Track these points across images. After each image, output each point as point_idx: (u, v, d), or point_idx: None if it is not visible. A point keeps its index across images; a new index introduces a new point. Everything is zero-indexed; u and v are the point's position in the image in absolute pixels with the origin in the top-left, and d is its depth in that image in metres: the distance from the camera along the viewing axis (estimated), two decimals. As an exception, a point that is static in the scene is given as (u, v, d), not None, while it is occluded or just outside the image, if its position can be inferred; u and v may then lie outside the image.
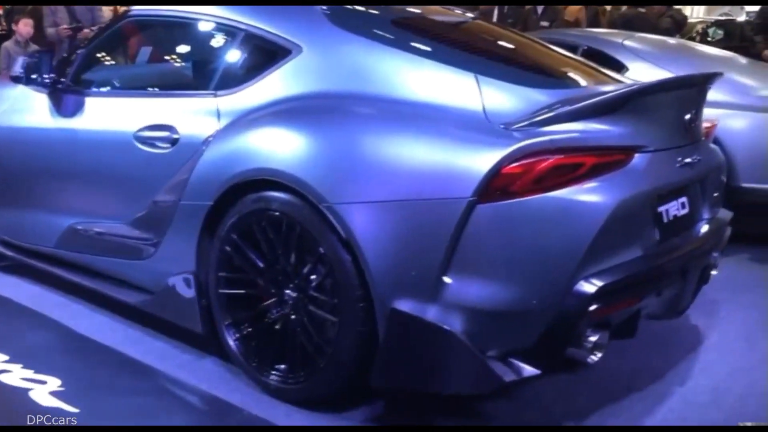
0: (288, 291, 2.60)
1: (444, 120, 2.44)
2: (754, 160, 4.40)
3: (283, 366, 2.64)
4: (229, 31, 3.01)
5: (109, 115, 3.21)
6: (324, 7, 2.93)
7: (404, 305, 2.30)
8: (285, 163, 2.49)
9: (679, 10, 8.88)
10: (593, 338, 2.34)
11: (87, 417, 2.52)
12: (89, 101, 3.30)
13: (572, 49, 5.23)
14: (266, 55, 2.87)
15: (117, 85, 3.43)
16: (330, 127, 2.53)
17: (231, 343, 2.76)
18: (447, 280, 2.27)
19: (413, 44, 2.77)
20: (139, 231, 3.09)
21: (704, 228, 2.90)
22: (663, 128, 2.56)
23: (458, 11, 3.59)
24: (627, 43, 5.15)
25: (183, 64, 3.46)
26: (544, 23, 8.88)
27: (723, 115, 4.45)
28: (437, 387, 2.38)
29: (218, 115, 2.83)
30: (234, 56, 2.97)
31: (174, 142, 2.92)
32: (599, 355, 2.39)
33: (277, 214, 2.53)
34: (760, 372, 2.96)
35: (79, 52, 3.47)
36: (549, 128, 2.34)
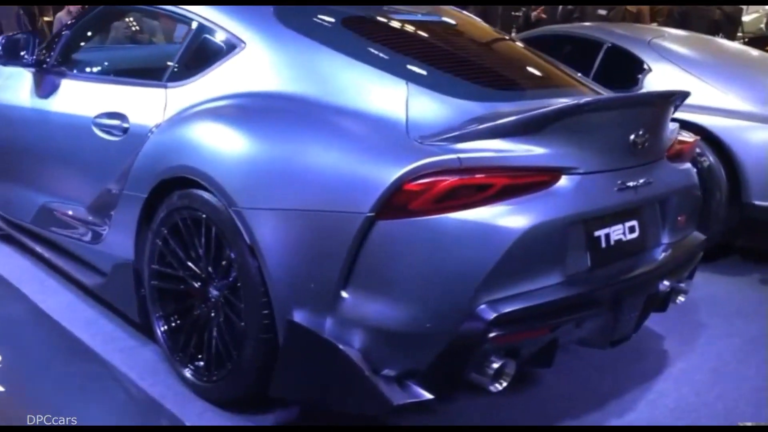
0: (211, 289, 2.60)
1: (363, 128, 2.37)
2: (768, 177, 4.11)
3: (201, 363, 2.65)
4: (187, 23, 3.01)
5: (76, 98, 3.28)
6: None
7: (301, 317, 2.27)
8: (203, 163, 2.48)
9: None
10: (496, 365, 2.24)
11: (7, 397, 2.59)
12: (64, 83, 3.38)
13: (596, 46, 5.03)
14: (215, 49, 2.85)
15: (87, 69, 3.50)
16: (248, 129, 2.50)
17: (160, 334, 2.79)
18: (344, 295, 2.22)
19: (355, 46, 2.69)
20: (94, 216, 3.16)
21: (660, 253, 2.73)
22: (600, 149, 2.40)
23: (450, 8, 3.48)
24: (654, 41, 4.88)
25: (145, 52, 3.48)
26: (602, 12, 8.56)
27: (740, 126, 4.21)
28: (330, 404, 2.34)
29: (165, 107, 2.84)
30: (187, 48, 2.96)
31: (125, 131, 2.95)
32: (504, 383, 2.29)
33: (199, 213, 2.53)
34: (706, 411, 2.78)
35: (63, 33, 3.54)
36: (466, 145, 2.24)
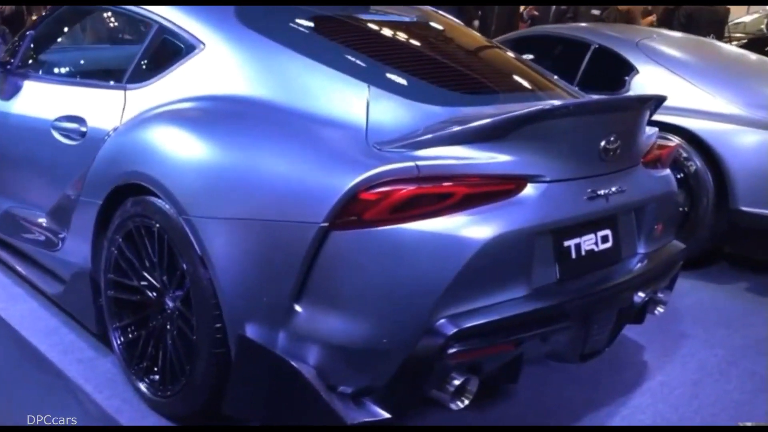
0: (166, 301, 2.50)
1: (321, 134, 2.27)
2: (757, 183, 3.99)
3: (156, 377, 2.55)
4: (148, 24, 2.91)
5: (37, 101, 3.18)
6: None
7: (253, 332, 2.17)
8: (154, 169, 2.39)
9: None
10: (457, 382, 2.13)
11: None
12: (26, 85, 3.29)
13: (583, 47, 4.92)
14: (174, 50, 2.75)
15: (50, 71, 3.41)
16: (200, 134, 2.39)
17: (116, 346, 2.69)
18: (298, 308, 2.12)
19: (318, 48, 2.60)
20: (54, 222, 3.06)
21: (635, 264, 2.63)
22: (568, 156, 2.30)
23: (429, 10, 3.37)
24: (643, 43, 4.77)
25: (110, 53, 3.39)
26: (596, 12, 8.48)
27: (729, 130, 4.11)
28: (284, 422, 2.24)
29: (123, 109, 2.74)
30: (147, 49, 2.86)
31: (83, 134, 2.86)
32: (466, 401, 2.19)
33: (151, 221, 2.43)
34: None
35: (27, 34, 3.44)
36: (426, 151, 2.13)
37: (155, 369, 2.55)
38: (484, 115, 2.26)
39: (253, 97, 2.45)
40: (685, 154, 4.17)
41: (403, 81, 2.48)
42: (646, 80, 4.51)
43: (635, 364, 3.16)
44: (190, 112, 2.49)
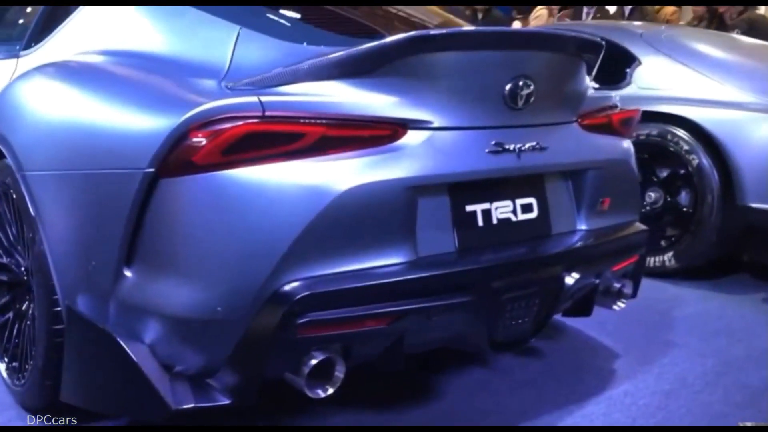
0: (26, 277, 2.22)
1: (170, 77, 1.96)
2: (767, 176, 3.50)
3: (16, 364, 2.26)
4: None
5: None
6: None
7: (83, 304, 1.87)
8: (2, 125, 2.13)
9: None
10: (314, 361, 1.76)
11: None
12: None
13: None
14: (61, 11, 2.53)
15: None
16: (48, 88, 2.15)
17: (-14, 334, 2.42)
18: (127, 274, 1.80)
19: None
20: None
21: (571, 241, 2.22)
22: (462, 100, 1.93)
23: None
24: (647, 34, 4.35)
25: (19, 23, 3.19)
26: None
27: (736, 119, 3.63)
28: (115, 409, 1.91)
29: (13, 76, 2.52)
30: (42, 15, 2.66)
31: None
32: (329, 388, 1.82)
33: (8, 186, 2.17)
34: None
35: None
36: (283, 88, 1.81)
37: (16, 355, 2.27)
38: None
39: (118, 49, 2.19)
40: (687, 147, 3.71)
41: (282, 24, 2.17)
42: (649, 71, 4.09)
43: (600, 371, 2.71)
44: (48, 68, 2.25)
